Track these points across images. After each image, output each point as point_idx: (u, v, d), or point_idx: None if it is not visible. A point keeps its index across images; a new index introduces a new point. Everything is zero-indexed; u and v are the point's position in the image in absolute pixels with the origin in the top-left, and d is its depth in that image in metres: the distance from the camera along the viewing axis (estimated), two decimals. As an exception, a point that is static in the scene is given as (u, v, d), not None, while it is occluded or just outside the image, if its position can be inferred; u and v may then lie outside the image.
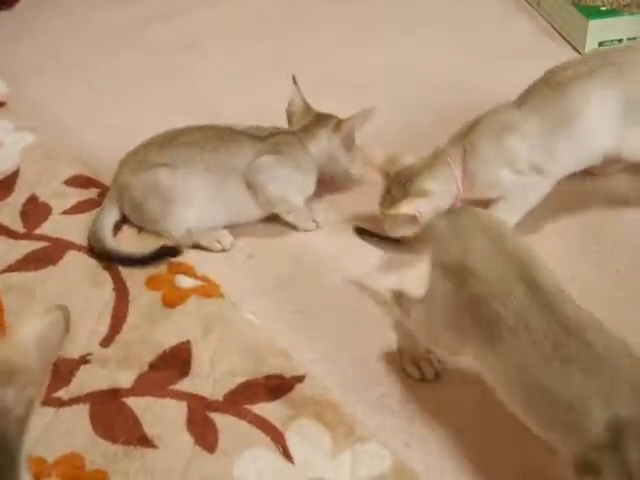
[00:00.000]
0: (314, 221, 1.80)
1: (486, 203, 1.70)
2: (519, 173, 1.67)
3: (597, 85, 1.65)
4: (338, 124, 1.83)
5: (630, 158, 1.71)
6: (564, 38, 2.45)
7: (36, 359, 0.87)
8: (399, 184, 1.67)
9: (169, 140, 1.78)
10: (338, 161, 1.85)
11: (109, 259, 1.71)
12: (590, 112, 1.64)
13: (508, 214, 1.66)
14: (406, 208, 1.61)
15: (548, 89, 1.68)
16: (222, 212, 1.77)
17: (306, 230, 1.80)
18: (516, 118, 1.68)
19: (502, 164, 1.67)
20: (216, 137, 1.77)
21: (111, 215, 1.79)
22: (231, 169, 1.75)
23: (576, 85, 1.66)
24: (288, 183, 1.78)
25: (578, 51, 2.36)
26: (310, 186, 1.82)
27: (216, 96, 2.29)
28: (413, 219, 1.61)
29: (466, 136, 1.69)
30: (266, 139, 1.79)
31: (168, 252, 1.70)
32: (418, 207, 1.61)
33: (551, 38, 2.48)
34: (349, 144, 1.84)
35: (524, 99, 1.71)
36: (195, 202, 1.74)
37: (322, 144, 1.82)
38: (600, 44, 2.33)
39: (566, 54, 2.38)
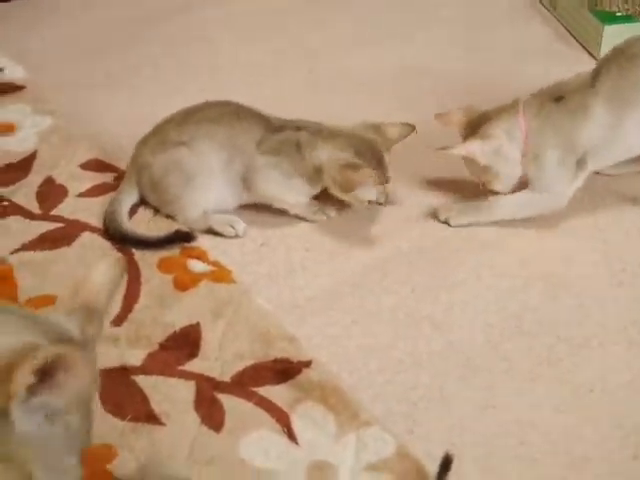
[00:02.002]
0: (324, 213, 1.82)
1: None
2: (561, 163, 1.70)
3: None
4: (348, 168, 1.69)
5: None
6: (579, 43, 2.46)
7: (104, 301, 0.94)
8: (472, 130, 1.73)
9: (189, 116, 1.79)
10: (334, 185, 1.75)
11: (123, 241, 1.73)
12: None
13: (522, 206, 1.74)
14: (460, 150, 1.69)
15: (624, 60, 1.71)
16: (230, 192, 1.78)
17: (315, 221, 1.81)
18: (592, 97, 1.69)
19: (555, 145, 1.70)
20: (233, 113, 1.78)
21: (129, 197, 1.81)
22: (239, 148, 1.75)
23: None
24: (284, 186, 1.76)
25: (593, 56, 2.38)
26: (311, 188, 1.78)
27: (228, 88, 2.31)
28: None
29: (547, 99, 1.72)
30: (275, 131, 1.77)
31: (183, 237, 1.72)
32: (471, 149, 1.68)
33: (566, 42, 2.49)
34: (345, 189, 1.72)
35: (598, 72, 1.73)
36: (213, 179, 1.76)
37: (319, 158, 1.74)
38: (615, 49, 2.34)
39: (581, 59, 2.40)
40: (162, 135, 1.80)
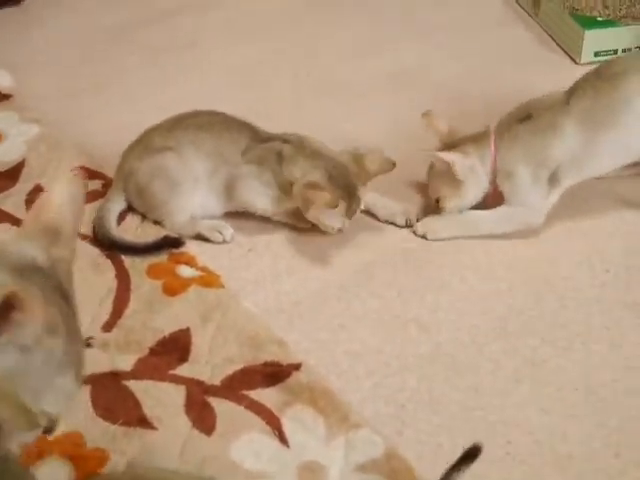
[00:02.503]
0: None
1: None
2: (536, 181, 1.73)
3: None
4: (309, 187, 1.68)
5: None
6: (561, 47, 2.49)
7: (69, 220, 0.95)
8: (448, 146, 1.78)
9: (177, 123, 1.82)
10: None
11: (112, 247, 1.75)
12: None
13: (491, 221, 1.78)
14: (444, 156, 1.73)
15: (600, 81, 1.75)
16: (215, 200, 1.80)
17: (301, 227, 1.81)
18: (564, 116, 1.74)
19: (527, 162, 1.74)
20: (222, 123, 1.80)
21: (117, 204, 1.83)
22: (225, 158, 1.77)
23: (630, 77, 1.72)
24: (263, 195, 1.77)
25: (574, 60, 2.41)
26: (288, 202, 1.77)
27: (216, 95, 2.32)
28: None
29: (515, 120, 1.77)
30: (262, 142, 1.78)
31: (171, 243, 1.74)
32: (454, 158, 1.73)
33: (548, 47, 2.52)
34: (303, 207, 1.72)
35: (573, 91, 1.77)
36: (197, 186, 1.78)
37: (293, 174, 1.73)
38: (596, 54, 2.38)
39: (563, 63, 2.44)
40: (148, 141, 1.82)
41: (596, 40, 2.37)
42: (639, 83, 1.71)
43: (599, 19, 2.43)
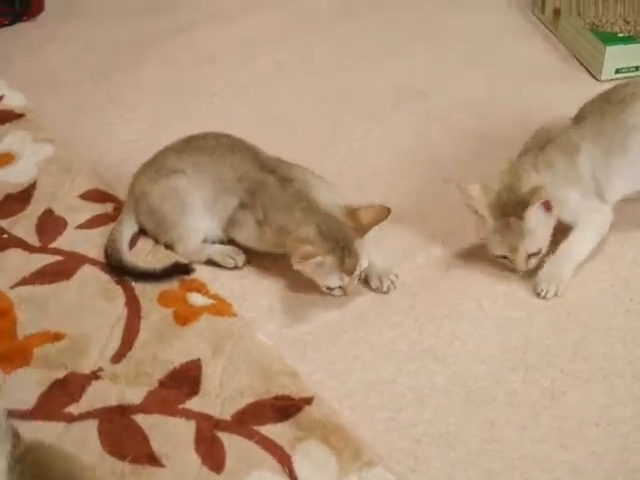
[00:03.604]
0: None
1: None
2: (585, 195, 1.70)
3: None
4: (292, 239, 1.63)
5: None
6: (581, 63, 2.45)
7: None
8: (510, 206, 1.66)
9: (186, 145, 1.80)
10: None
11: (123, 272, 1.72)
12: None
13: (582, 243, 1.71)
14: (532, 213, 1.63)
15: (609, 105, 1.73)
16: (218, 226, 1.77)
17: None
18: (579, 138, 1.72)
19: (572, 184, 1.70)
20: (228, 146, 1.77)
21: (129, 227, 1.81)
22: (226, 185, 1.74)
23: (637, 104, 1.71)
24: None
25: (595, 77, 2.36)
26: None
27: (232, 109, 2.32)
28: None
29: (539, 154, 1.72)
30: (267, 173, 1.73)
31: (181, 269, 1.71)
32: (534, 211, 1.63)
33: (567, 62, 2.48)
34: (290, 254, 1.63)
35: (582, 116, 1.75)
36: (204, 209, 1.75)
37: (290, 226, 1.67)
38: (617, 70, 2.33)
39: (582, 79, 2.39)
40: (160, 163, 1.81)
41: (617, 56, 2.33)
42: None
43: (620, 35, 2.39)
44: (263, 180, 1.71)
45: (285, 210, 1.68)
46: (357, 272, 1.64)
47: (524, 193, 1.65)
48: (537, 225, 1.66)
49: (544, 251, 1.70)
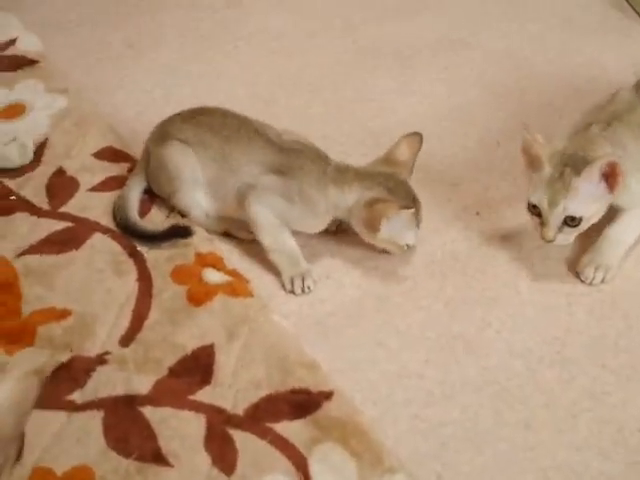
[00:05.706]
0: None
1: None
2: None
3: None
4: (373, 203, 1.52)
5: None
6: (636, 11, 2.26)
7: (10, 425, 0.81)
8: (572, 159, 1.50)
9: (192, 116, 1.69)
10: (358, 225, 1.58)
11: (127, 232, 1.64)
12: None
13: (636, 227, 1.59)
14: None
15: None
16: (212, 204, 1.67)
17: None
18: None
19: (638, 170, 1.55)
20: (234, 127, 1.64)
21: (138, 182, 1.72)
22: (231, 170, 1.62)
23: None
24: (279, 214, 1.59)
25: (650, 27, 2.19)
26: (312, 226, 1.62)
27: (257, 62, 2.18)
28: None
29: (607, 126, 1.56)
30: (284, 153, 1.60)
31: (179, 232, 1.62)
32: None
33: (621, 10, 2.30)
34: (372, 227, 1.53)
35: None
36: (197, 187, 1.65)
37: (345, 199, 1.56)
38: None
39: (636, 29, 2.21)
40: (166, 126, 1.71)
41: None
42: None
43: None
44: (292, 164, 1.58)
45: (337, 184, 1.56)
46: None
47: (594, 155, 1.49)
48: (590, 190, 1.48)
49: (581, 228, 1.51)
